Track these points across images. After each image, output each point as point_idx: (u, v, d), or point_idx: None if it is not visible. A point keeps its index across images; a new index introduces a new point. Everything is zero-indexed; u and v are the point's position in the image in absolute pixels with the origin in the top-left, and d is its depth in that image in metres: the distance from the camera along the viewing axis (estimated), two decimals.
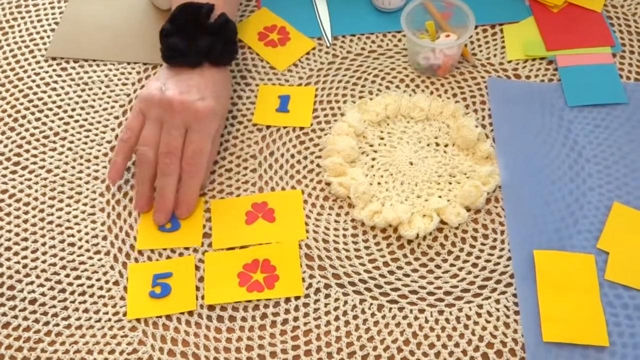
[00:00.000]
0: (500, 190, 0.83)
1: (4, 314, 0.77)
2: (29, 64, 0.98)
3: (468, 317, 0.75)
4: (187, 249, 0.81)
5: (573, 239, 0.79)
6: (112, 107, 0.93)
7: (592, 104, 0.89)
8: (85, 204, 0.85)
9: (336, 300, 0.77)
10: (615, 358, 0.71)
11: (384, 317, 0.75)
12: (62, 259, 0.80)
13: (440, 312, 0.75)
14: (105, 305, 0.77)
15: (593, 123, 0.88)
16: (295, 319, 0.75)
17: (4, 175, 0.87)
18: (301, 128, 0.91)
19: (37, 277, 0.79)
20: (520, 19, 0.99)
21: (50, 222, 0.83)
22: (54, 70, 0.97)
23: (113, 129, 0.91)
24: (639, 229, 0.79)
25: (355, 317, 0.75)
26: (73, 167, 0.88)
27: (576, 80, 0.91)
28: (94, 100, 0.94)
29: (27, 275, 0.79)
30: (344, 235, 0.81)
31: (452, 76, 0.94)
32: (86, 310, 0.77)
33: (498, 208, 0.82)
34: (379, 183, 0.85)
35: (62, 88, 0.95)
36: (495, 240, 0.80)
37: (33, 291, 0.78)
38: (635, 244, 0.78)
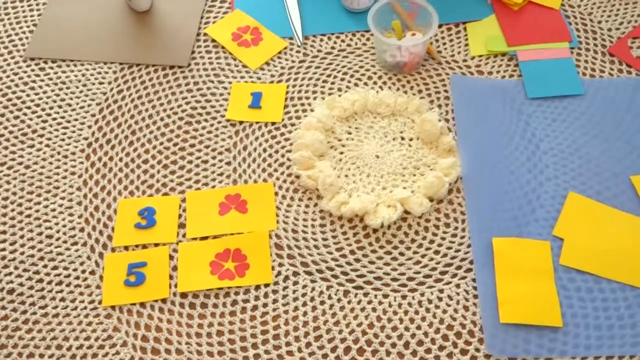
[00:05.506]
0: (462, 181, 0.87)
1: None
2: (8, 65, 1.01)
3: (430, 302, 0.79)
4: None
5: (530, 227, 0.83)
6: (89, 105, 0.96)
7: (551, 95, 0.93)
8: (62, 198, 0.87)
9: (304, 287, 0.80)
10: (568, 337, 0.75)
11: (349, 302, 0.79)
12: (40, 250, 0.83)
13: (404, 297, 0.79)
14: (81, 294, 0.80)
15: (551, 117, 0.92)
16: (265, 305, 0.79)
17: None
18: (273, 123, 0.94)
19: (16, 268, 0.82)
20: (482, 17, 1.03)
21: (29, 216, 0.86)
22: (33, 70, 1.00)
23: (90, 127, 0.94)
24: (592, 216, 0.83)
25: (322, 302, 0.79)
26: (51, 163, 0.91)
27: (536, 74, 0.95)
28: (71, 99, 0.97)
29: (6, 266, 0.82)
30: (313, 225, 0.85)
31: (417, 73, 0.98)
32: (63, 299, 0.79)
33: (459, 198, 0.86)
34: (346, 175, 0.89)
35: (40, 87, 0.98)
36: (456, 228, 0.84)
37: (11, 282, 0.81)
38: (588, 230, 0.82)
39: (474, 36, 1.01)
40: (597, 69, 0.97)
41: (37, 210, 0.86)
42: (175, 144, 0.92)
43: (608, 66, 0.97)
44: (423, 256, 0.82)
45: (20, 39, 1.04)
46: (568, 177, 0.86)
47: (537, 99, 0.93)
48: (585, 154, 0.88)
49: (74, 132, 0.94)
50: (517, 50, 0.98)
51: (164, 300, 0.79)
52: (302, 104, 0.96)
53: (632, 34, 1.00)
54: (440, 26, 1.03)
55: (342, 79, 0.98)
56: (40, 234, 0.84)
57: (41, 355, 0.76)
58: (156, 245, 0.83)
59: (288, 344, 0.76)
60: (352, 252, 0.82)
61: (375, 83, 0.97)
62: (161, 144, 0.92)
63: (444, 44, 1.01)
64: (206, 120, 0.94)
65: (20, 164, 0.91)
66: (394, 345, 0.76)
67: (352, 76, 0.98)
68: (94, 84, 0.99)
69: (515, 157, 0.88)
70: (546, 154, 0.88)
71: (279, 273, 0.81)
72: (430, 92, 0.96)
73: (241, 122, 0.94)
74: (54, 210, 0.86)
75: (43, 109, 0.96)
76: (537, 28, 1.00)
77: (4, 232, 0.85)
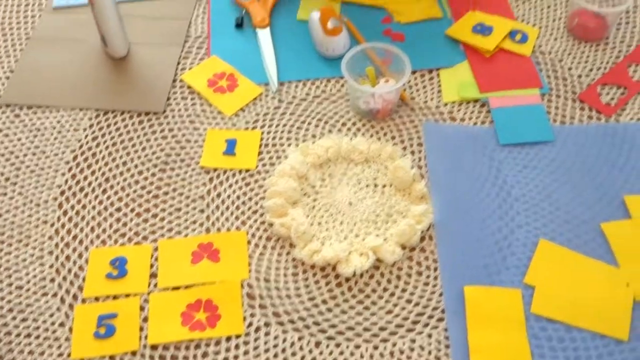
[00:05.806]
0: (434, 228, 0.87)
1: None
2: None
3: (401, 352, 0.78)
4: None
5: (501, 275, 0.83)
6: (63, 152, 0.96)
7: (522, 142, 0.94)
8: (34, 248, 0.87)
9: (275, 337, 0.79)
10: None
11: (321, 353, 0.78)
12: (9, 302, 0.82)
13: (375, 347, 0.79)
14: (50, 346, 0.79)
15: (522, 163, 0.92)
16: (236, 357, 0.78)
17: None
18: (247, 170, 0.94)
19: None
20: (455, 63, 1.04)
21: None
22: (7, 117, 1.00)
23: (63, 174, 0.94)
24: (563, 264, 0.83)
25: (293, 354, 0.78)
26: (23, 212, 0.90)
27: (507, 121, 0.97)
28: (45, 146, 0.97)
29: None
30: (285, 274, 0.84)
31: (391, 119, 0.99)
32: (31, 352, 0.78)
33: (432, 245, 0.86)
34: (319, 223, 0.89)
35: (15, 134, 0.98)
36: (428, 276, 0.84)
37: None
38: (559, 278, 0.82)
39: (447, 82, 1.02)
40: (567, 116, 0.98)
41: (8, 260, 0.86)
42: (148, 192, 0.92)
43: (578, 112, 0.98)
44: (395, 305, 0.82)
45: None
46: (539, 224, 0.87)
47: (509, 145, 0.94)
48: (556, 201, 0.89)
49: (47, 179, 0.94)
50: (488, 97, 0.99)
51: (134, 353, 0.78)
52: (277, 151, 0.96)
53: (602, 80, 1.01)
54: (414, 72, 1.04)
55: (317, 126, 0.99)
56: (10, 284, 0.84)
57: None
58: (127, 295, 0.83)
59: None
60: (324, 301, 0.82)
61: (349, 129, 0.98)
62: (135, 191, 0.92)
63: (417, 90, 1.02)
64: (180, 168, 0.95)
65: None
66: None
67: (326, 122, 0.99)
68: (68, 130, 0.99)
69: (487, 204, 0.89)
70: (517, 201, 0.89)
71: (251, 324, 0.80)
72: (403, 138, 0.97)
73: (215, 169, 0.94)
74: (24, 260, 0.86)
75: (17, 156, 0.96)
76: (509, 75, 1.01)
77: None
